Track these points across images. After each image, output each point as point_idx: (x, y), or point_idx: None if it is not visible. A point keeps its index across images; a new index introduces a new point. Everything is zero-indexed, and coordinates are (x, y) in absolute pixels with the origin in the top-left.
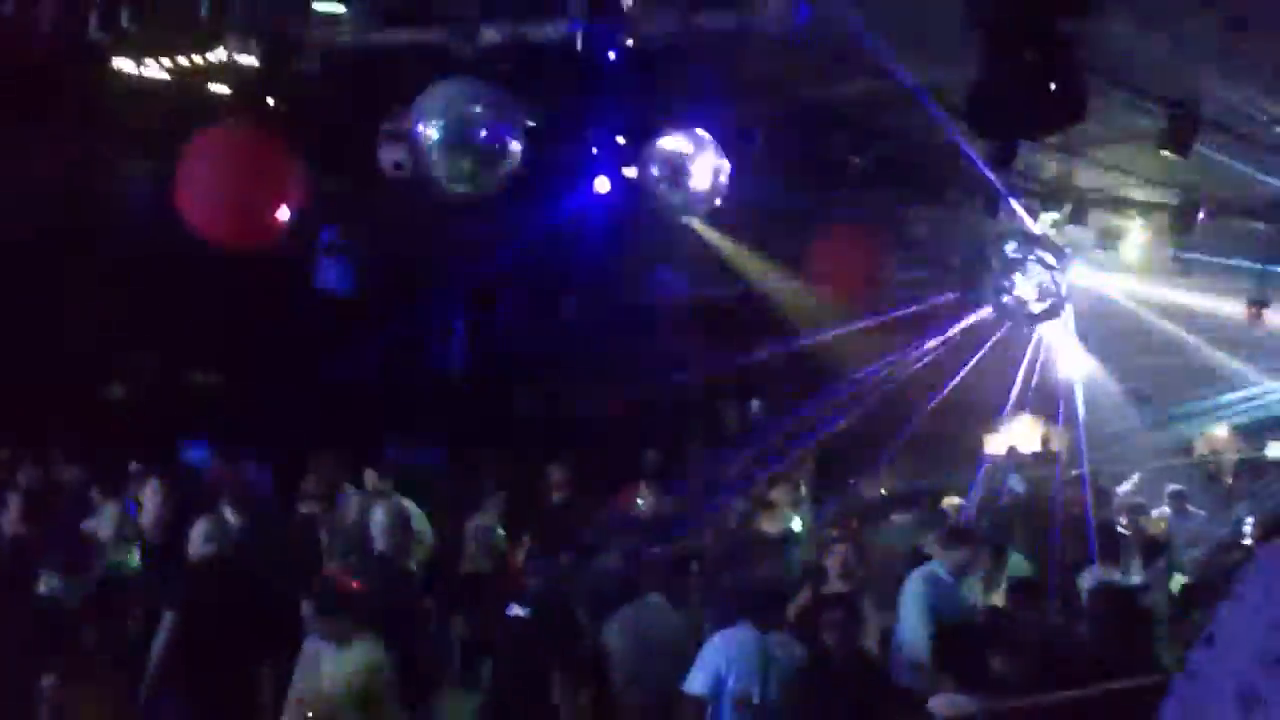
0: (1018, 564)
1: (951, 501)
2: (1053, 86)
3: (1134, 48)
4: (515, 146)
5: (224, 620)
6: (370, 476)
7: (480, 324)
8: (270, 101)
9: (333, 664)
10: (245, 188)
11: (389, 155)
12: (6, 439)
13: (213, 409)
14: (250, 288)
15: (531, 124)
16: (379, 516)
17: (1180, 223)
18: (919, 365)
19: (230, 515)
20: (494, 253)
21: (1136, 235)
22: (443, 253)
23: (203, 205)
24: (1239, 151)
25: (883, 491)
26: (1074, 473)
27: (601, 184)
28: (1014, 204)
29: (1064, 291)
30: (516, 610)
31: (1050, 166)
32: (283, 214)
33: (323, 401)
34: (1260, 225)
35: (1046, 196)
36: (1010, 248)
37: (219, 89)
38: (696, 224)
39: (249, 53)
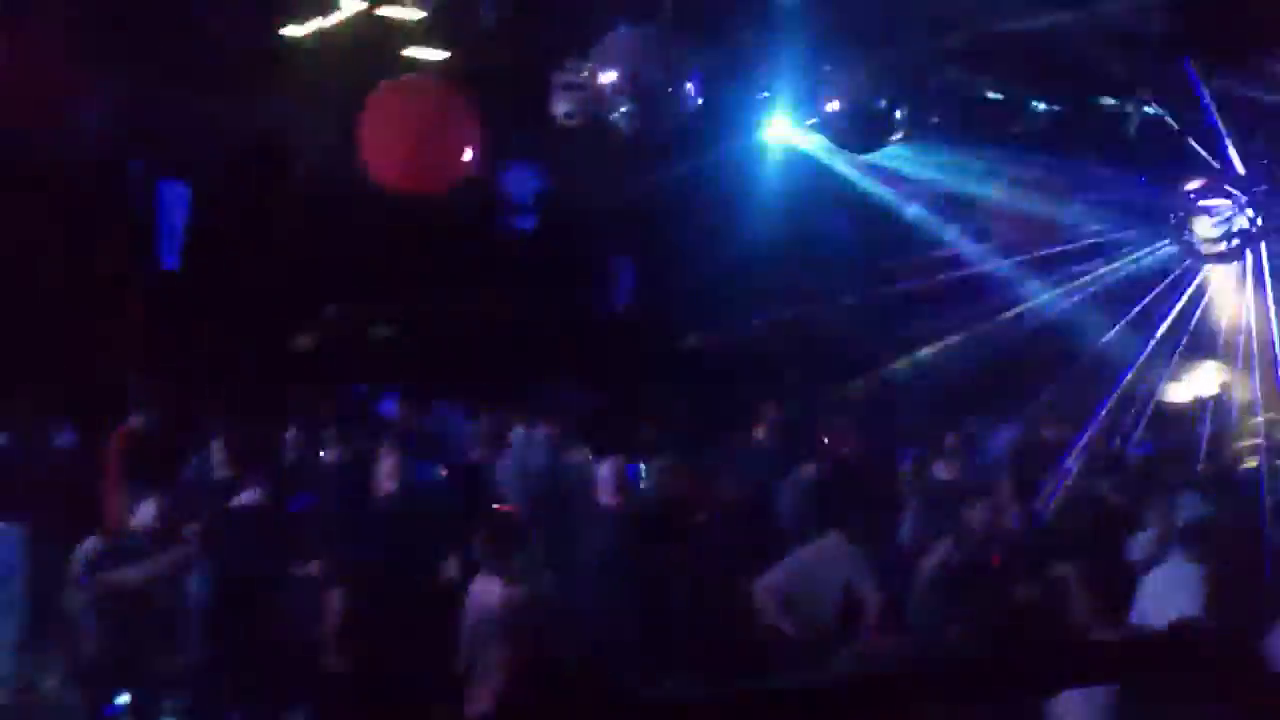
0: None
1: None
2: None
3: None
4: (690, 90)
5: None
6: (546, 424)
7: (646, 266)
8: (446, 53)
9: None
10: (427, 136)
11: (561, 105)
12: (205, 391)
13: (395, 358)
14: (430, 236)
15: (705, 67)
16: (605, 472)
17: None
18: (1091, 303)
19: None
20: (664, 196)
21: None
22: (614, 196)
23: (384, 155)
24: None
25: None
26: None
27: (781, 127)
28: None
29: (1254, 229)
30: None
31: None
32: (463, 162)
33: (489, 345)
34: None
35: (1242, 127)
36: (1195, 183)
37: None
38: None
39: (424, 7)
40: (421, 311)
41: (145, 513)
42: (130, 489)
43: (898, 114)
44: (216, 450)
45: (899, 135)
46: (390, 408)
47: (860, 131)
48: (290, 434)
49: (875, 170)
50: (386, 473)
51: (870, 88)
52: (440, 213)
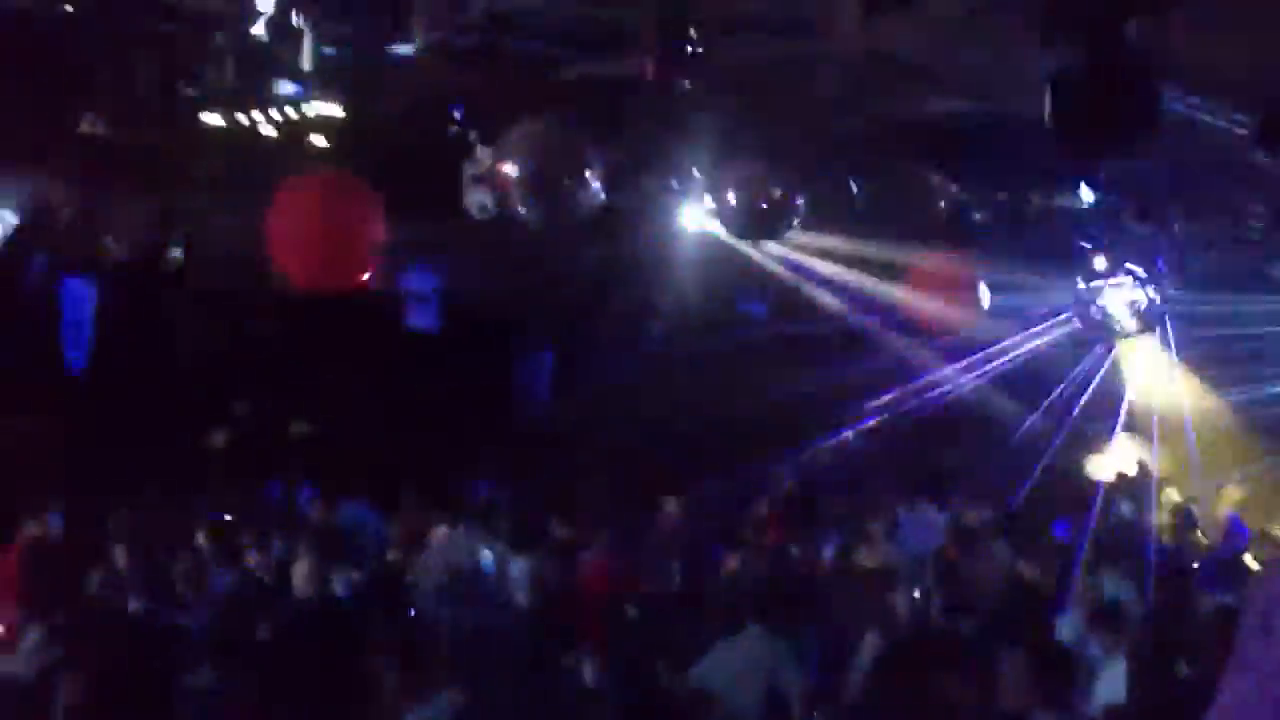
0: (1115, 588)
1: None
2: (1121, 98)
3: (1216, 52)
4: (595, 183)
5: None
6: (467, 521)
7: (568, 357)
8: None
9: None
10: (334, 233)
11: (474, 197)
12: (111, 488)
13: (312, 455)
14: (341, 331)
15: (612, 160)
16: (518, 567)
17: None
18: (1012, 384)
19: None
20: (580, 285)
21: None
22: (529, 288)
23: (293, 252)
24: None
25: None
26: (1176, 499)
27: (690, 216)
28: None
29: (1158, 306)
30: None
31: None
32: (370, 258)
33: (413, 440)
34: None
35: (1139, 209)
36: (1100, 261)
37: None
38: (775, 249)
39: (329, 101)
40: (339, 407)
41: (30, 641)
42: (26, 605)
43: (796, 203)
44: (120, 556)
45: (795, 224)
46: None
47: (757, 221)
48: (199, 539)
49: (785, 258)
50: (303, 577)
51: (766, 178)
52: (353, 307)
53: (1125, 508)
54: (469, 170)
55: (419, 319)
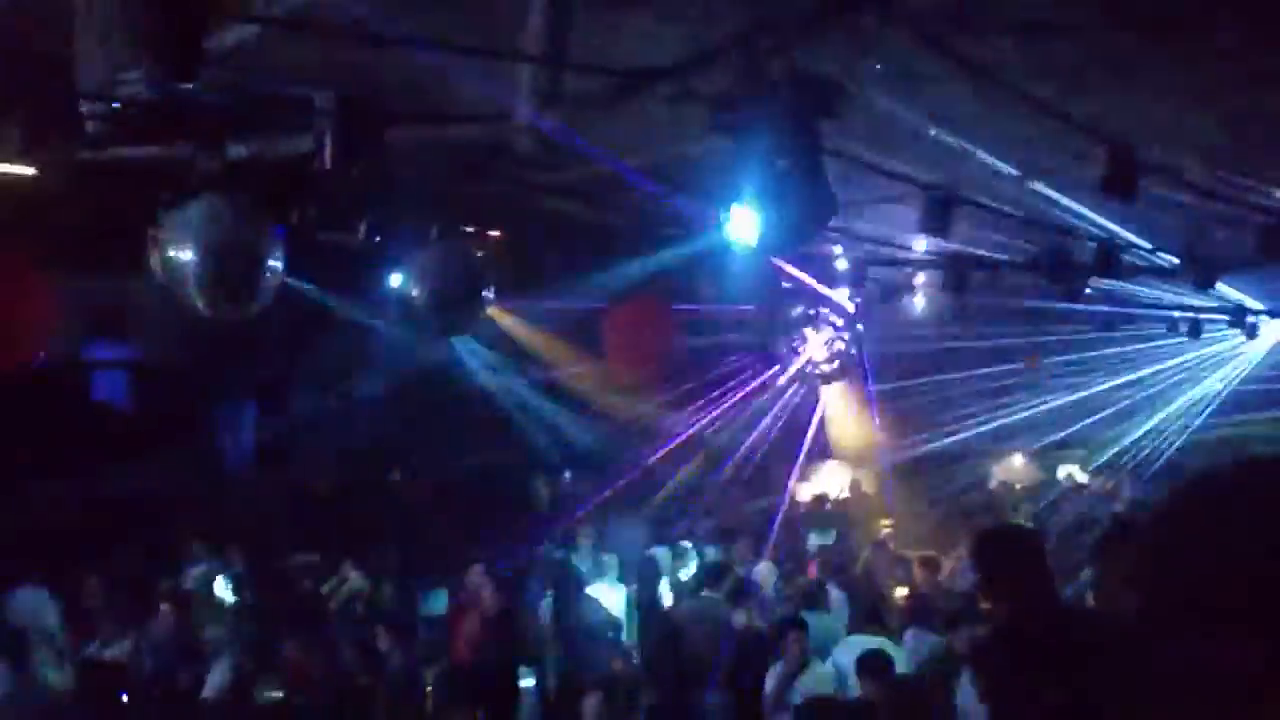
0: (831, 631)
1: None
2: (805, 195)
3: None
4: (275, 263)
5: None
6: None
7: (270, 417)
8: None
9: None
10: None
11: (156, 261)
12: None
13: None
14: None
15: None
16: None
17: (954, 279)
18: (721, 428)
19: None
20: (278, 346)
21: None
22: (222, 352)
23: None
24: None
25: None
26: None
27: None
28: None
29: (854, 350)
30: None
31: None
32: (41, 333)
33: (111, 521)
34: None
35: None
36: (797, 310)
37: None
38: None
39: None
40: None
41: None
42: None
43: (485, 294)
44: None
45: (483, 314)
46: None
47: (446, 315)
48: None
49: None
50: None
51: (453, 271)
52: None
53: (815, 538)
54: (153, 234)
55: (108, 392)
